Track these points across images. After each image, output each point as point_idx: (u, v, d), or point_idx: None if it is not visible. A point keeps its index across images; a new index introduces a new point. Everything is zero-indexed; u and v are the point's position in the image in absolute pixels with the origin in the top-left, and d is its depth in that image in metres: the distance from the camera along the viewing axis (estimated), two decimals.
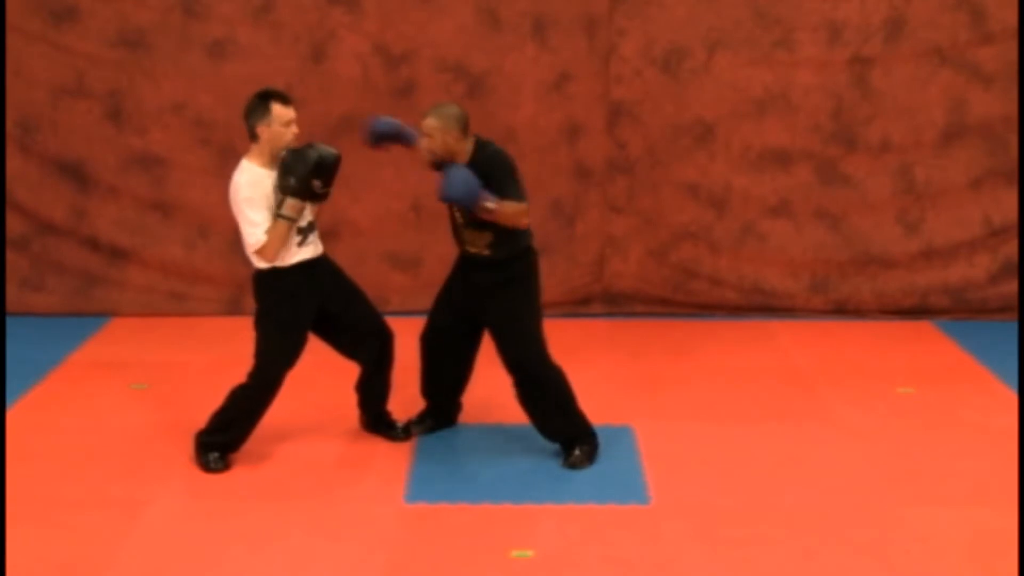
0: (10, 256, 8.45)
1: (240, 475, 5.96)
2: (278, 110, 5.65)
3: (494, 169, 5.80)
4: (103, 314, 8.44)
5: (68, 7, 8.18)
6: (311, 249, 5.89)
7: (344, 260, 8.56)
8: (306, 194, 5.67)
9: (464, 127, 5.84)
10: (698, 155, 8.45)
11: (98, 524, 5.44)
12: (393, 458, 6.15)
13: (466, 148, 5.86)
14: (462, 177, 5.64)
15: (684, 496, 5.77)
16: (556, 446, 6.21)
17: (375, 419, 6.41)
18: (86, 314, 8.41)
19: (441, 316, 6.29)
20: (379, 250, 8.55)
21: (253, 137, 5.73)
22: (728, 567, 5.13)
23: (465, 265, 6.14)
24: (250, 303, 8.19)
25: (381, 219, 8.39)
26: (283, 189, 5.65)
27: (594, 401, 6.95)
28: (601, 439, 6.26)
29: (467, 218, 5.92)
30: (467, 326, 6.24)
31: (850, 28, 8.25)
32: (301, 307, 5.91)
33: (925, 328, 8.40)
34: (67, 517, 5.51)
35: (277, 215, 5.66)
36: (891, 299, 8.63)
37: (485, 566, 5.12)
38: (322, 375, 6.72)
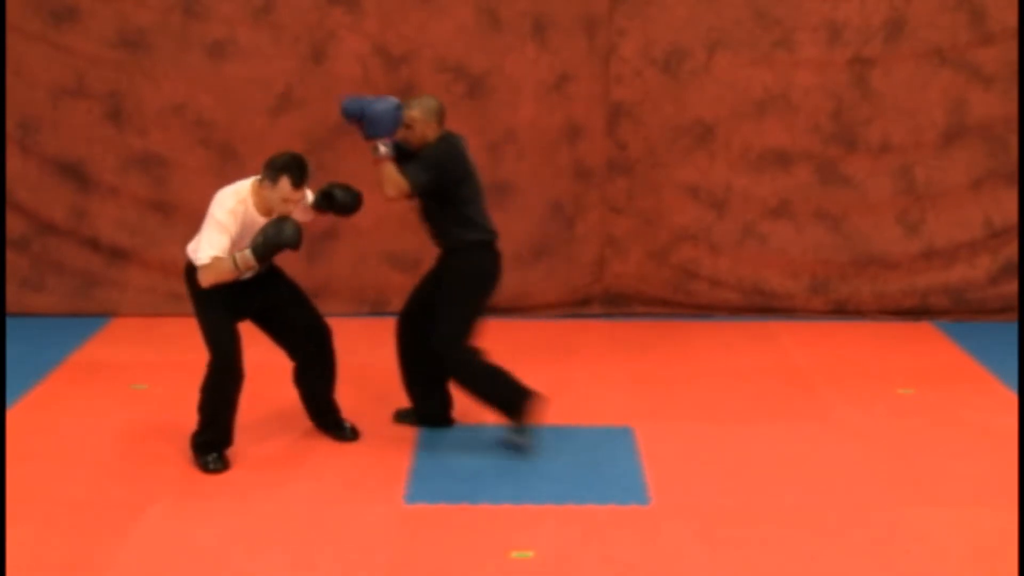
0: (10, 256, 8.45)
1: (239, 475, 5.96)
2: (284, 187, 5.73)
3: (426, 152, 6.02)
4: (103, 314, 8.44)
5: (68, 7, 8.18)
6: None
7: (344, 260, 8.61)
8: (264, 260, 5.78)
9: (441, 119, 6.07)
10: (698, 156, 8.45)
11: (98, 524, 5.44)
12: (393, 458, 6.15)
13: (435, 138, 6.09)
14: (389, 111, 5.88)
15: (684, 497, 5.77)
16: (557, 448, 6.21)
17: (322, 419, 6.40)
18: (86, 314, 8.41)
19: (409, 302, 6.42)
20: (379, 250, 8.55)
21: (263, 180, 5.81)
22: (728, 568, 5.13)
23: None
24: None
25: (381, 219, 8.38)
26: (252, 243, 5.75)
27: (594, 401, 6.96)
28: (601, 439, 6.27)
29: (420, 211, 6.18)
30: (428, 314, 6.27)
31: (850, 28, 8.25)
32: (223, 295, 5.91)
33: (925, 329, 8.40)
34: (67, 517, 5.51)
35: (232, 256, 5.75)
36: (891, 300, 8.63)
37: (485, 567, 5.11)
38: None
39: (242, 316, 6.09)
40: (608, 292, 8.68)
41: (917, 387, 7.23)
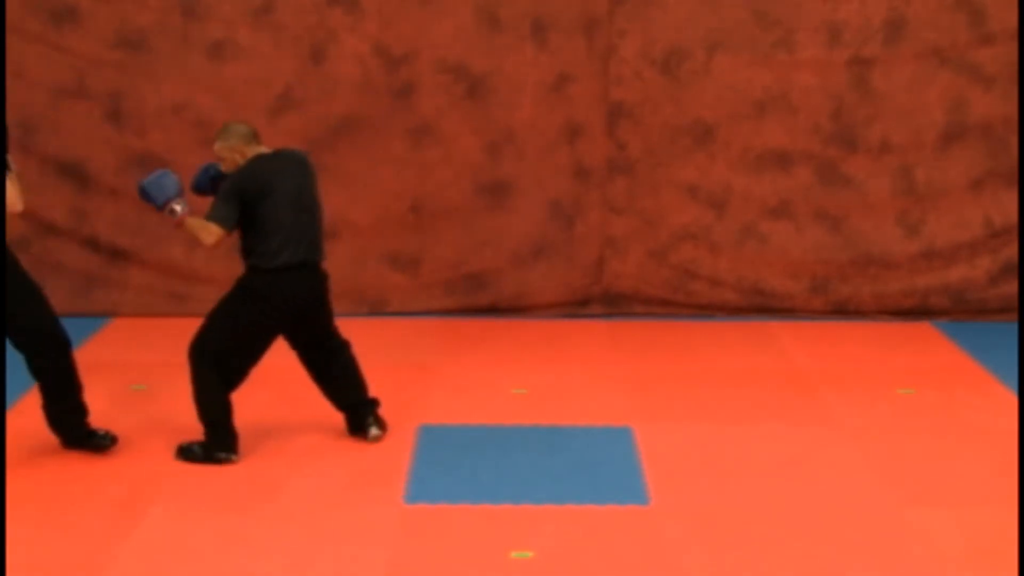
0: None
1: (239, 476, 5.96)
2: None
3: (225, 181, 6.01)
4: (103, 315, 8.44)
5: (68, 8, 8.18)
6: None
7: (344, 260, 8.60)
8: None
9: (249, 140, 6.03)
10: (698, 156, 8.45)
11: (98, 524, 5.44)
12: (393, 459, 6.15)
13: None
14: (162, 179, 5.98)
15: (684, 497, 5.77)
16: (557, 448, 6.22)
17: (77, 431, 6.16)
18: (86, 315, 8.40)
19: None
20: (379, 250, 8.55)
21: None
22: (728, 568, 5.13)
23: None
24: None
25: (380, 219, 8.39)
26: None
27: (594, 401, 6.96)
28: (601, 439, 6.27)
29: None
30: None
31: (850, 29, 8.25)
32: None
33: (925, 329, 8.40)
34: (67, 517, 5.51)
35: None
36: (891, 300, 8.63)
37: (485, 567, 5.11)
38: None
39: None
40: (608, 292, 8.68)
41: (917, 387, 7.23)
